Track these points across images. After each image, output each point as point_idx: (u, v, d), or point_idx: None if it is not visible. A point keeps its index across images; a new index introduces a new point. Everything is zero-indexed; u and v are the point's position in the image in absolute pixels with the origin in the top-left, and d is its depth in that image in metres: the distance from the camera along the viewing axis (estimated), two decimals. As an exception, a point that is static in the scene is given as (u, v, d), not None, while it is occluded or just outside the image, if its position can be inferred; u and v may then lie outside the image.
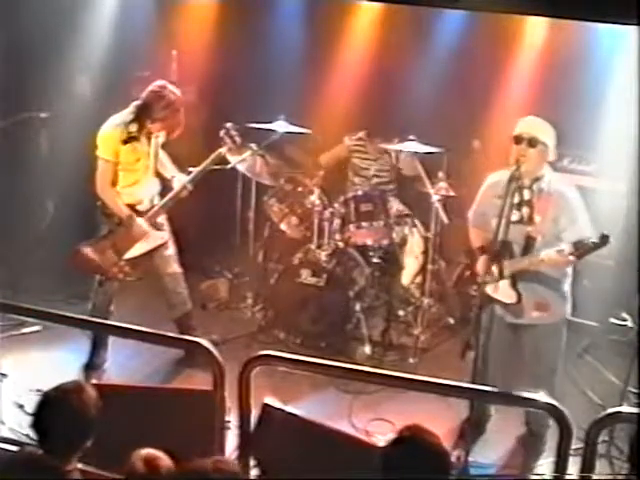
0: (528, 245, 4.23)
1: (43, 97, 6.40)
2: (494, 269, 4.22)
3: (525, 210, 4.21)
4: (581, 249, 4.02)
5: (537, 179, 4.25)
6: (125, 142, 4.90)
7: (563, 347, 4.48)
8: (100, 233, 5.06)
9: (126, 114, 4.93)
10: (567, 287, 4.40)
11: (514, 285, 4.27)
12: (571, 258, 4.04)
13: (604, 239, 3.98)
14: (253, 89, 6.70)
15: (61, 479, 2.92)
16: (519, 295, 4.28)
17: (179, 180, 5.14)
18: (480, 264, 4.37)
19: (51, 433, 2.93)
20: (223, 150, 5.19)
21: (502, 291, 4.24)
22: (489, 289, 4.24)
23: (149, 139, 5.01)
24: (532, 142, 4.19)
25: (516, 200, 4.16)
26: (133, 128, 4.90)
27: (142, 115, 4.89)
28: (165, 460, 2.93)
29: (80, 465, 3.16)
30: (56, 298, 5.62)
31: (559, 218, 4.22)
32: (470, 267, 4.55)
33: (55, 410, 2.94)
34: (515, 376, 4.47)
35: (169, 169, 5.22)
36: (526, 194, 4.21)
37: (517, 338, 4.44)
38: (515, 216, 4.17)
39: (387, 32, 6.52)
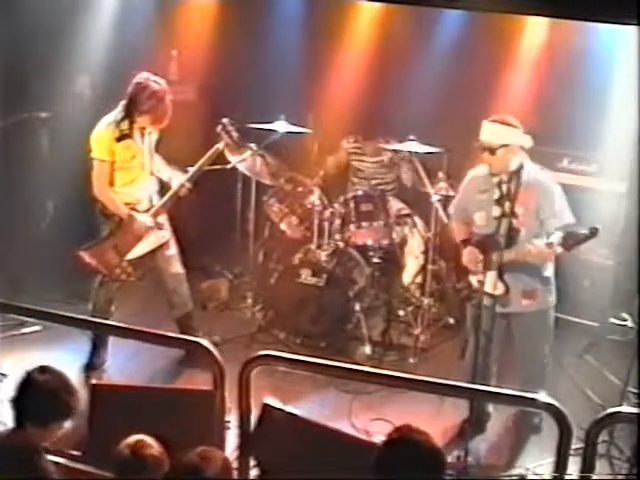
0: (512, 237, 4.31)
1: (43, 97, 6.40)
2: (480, 261, 4.31)
3: (507, 204, 4.27)
4: (570, 241, 4.12)
5: (516, 171, 4.33)
6: (119, 140, 4.90)
7: (551, 336, 4.57)
8: (100, 235, 5.05)
9: (116, 113, 4.94)
10: (550, 274, 4.49)
11: (501, 276, 4.34)
12: (559, 250, 4.16)
13: (594, 230, 4.11)
14: (253, 89, 6.70)
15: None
16: (506, 286, 4.35)
17: (177, 180, 5.14)
18: (466, 256, 4.46)
19: (25, 411, 3.04)
20: (220, 146, 5.19)
21: (490, 283, 4.29)
22: (477, 282, 4.32)
23: (142, 135, 5.02)
24: (491, 151, 4.32)
25: (497, 195, 4.27)
26: (124, 126, 4.91)
27: (130, 110, 4.90)
28: (154, 447, 2.95)
29: (80, 465, 3.18)
30: (56, 298, 5.62)
31: (541, 208, 4.33)
32: (455, 263, 4.64)
33: (28, 388, 3.06)
34: (508, 367, 4.54)
35: (165, 171, 5.21)
36: (505, 188, 4.29)
37: (507, 327, 4.53)
38: (497, 211, 4.28)
39: (387, 32, 6.52)
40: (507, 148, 4.32)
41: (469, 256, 4.45)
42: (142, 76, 4.93)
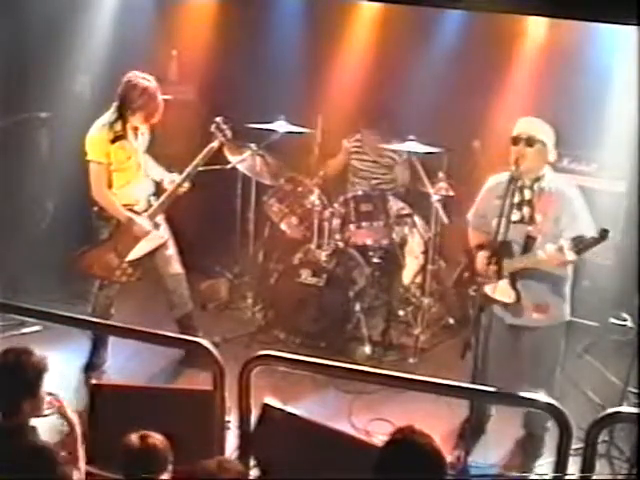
0: (528, 245, 4.22)
1: (43, 97, 6.40)
2: (492, 267, 4.18)
3: (526, 210, 4.20)
4: (580, 245, 4.01)
5: (538, 179, 4.25)
6: (113, 141, 4.90)
7: (562, 350, 4.47)
8: (99, 237, 5.05)
9: (109, 115, 4.94)
10: (567, 289, 4.37)
11: (513, 284, 4.26)
12: (570, 256, 4.01)
13: (604, 233, 3.95)
14: (253, 89, 6.70)
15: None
16: (518, 294, 4.27)
17: (171, 181, 5.12)
18: (479, 261, 4.37)
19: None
20: (215, 144, 5.18)
21: (501, 290, 4.22)
22: (488, 289, 4.22)
23: (136, 136, 5.02)
24: (529, 141, 4.19)
25: (517, 200, 4.15)
26: (118, 127, 4.91)
27: (122, 109, 4.90)
28: (158, 438, 3.00)
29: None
30: (56, 298, 5.62)
31: (560, 218, 4.21)
32: (469, 267, 4.53)
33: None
34: (514, 377, 4.47)
35: (156, 172, 5.20)
36: (527, 194, 4.21)
37: (517, 339, 4.43)
38: (516, 216, 4.17)
39: (387, 32, 6.52)
40: (543, 147, 4.22)
41: (481, 262, 4.32)
42: (130, 74, 4.93)
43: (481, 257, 4.34)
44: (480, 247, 4.40)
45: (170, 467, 3.00)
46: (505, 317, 4.32)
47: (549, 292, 4.31)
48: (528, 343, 4.41)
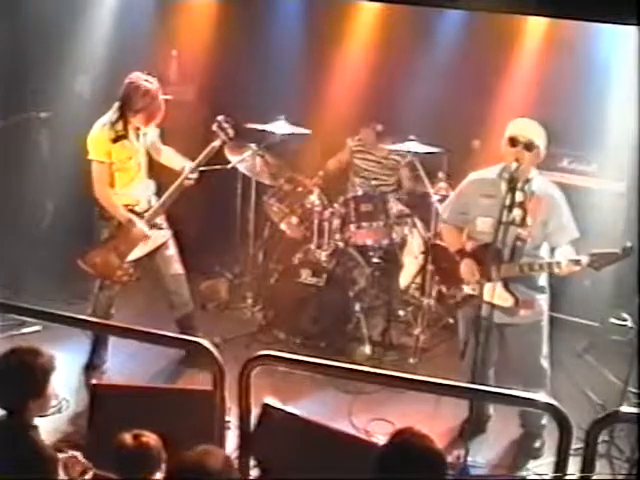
0: (517, 247, 4.21)
1: (43, 97, 6.41)
2: (477, 272, 4.25)
3: (517, 212, 4.16)
4: (601, 261, 4.02)
5: (528, 181, 4.25)
6: (114, 141, 4.90)
7: (546, 344, 4.49)
8: (100, 237, 5.04)
9: (111, 114, 4.94)
10: (544, 283, 4.41)
11: (507, 287, 4.26)
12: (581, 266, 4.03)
13: (628, 250, 3.97)
14: (253, 89, 6.71)
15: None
16: (515, 297, 4.27)
17: (191, 169, 5.10)
18: (464, 269, 4.38)
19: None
20: (216, 143, 5.17)
21: (496, 295, 4.18)
22: (486, 293, 4.16)
23: (137, 136, 5.01)
24: (528, 146, 4.19)
25: (508, 202, 4.10)
26: (119, 126, 4.91)
27: (124, 110, 4.89)
28: (151, 436, 3.01)
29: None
30: (56, 298, 5.62)
31: (548, 221, 4.23)
32: (446, 267, 4.54)
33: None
34: (505, 375, 4.51)
35: (177, 160, 5.18)
36: (518, 196, 4.16)
37: (503, 337, 4.45)
38: (506, 218, 4.14)
39: (387, 32, 6.52)
40: (539, 150, 4.23)
41: (467, 269, 4.36)
42: (133, 76, 4.92)
43: (465, 264, 4.36)
44: (462, 252, 4.40)
45: (164, 466, 3.00)
46: (494, 316, 4.26)
47: (530, 288, 4.34)
48: (513, 340, 4.44)
